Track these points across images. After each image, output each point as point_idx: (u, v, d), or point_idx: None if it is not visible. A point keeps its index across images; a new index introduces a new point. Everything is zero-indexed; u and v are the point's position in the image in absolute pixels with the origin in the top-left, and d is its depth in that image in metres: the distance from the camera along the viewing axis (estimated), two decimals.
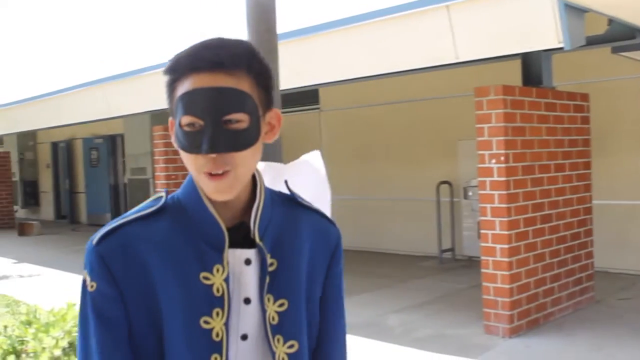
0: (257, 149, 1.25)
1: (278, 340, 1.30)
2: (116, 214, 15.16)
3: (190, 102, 1.18)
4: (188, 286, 1.24)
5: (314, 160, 1.77)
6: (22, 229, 15.93)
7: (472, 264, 9.42)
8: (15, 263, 11.66)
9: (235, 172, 1.21)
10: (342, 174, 10.63)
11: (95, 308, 1.24)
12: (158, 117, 12.01)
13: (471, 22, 5.23)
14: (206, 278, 1.25)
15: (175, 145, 1.25)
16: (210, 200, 1.27)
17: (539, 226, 6.17)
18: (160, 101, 8.34)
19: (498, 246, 5.86)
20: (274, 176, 1.73)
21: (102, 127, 15.77)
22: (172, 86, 1.24)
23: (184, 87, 1.20)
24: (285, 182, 1.45)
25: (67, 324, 3.57)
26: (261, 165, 1.77)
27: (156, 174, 9.33)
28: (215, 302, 1.25)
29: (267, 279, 1.29)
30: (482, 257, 6.01)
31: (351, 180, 11.01)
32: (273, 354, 1.29)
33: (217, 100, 1.18)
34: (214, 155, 1.18)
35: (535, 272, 6.13)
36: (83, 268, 1.27)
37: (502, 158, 5.75)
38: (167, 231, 1.27)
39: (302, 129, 11.29)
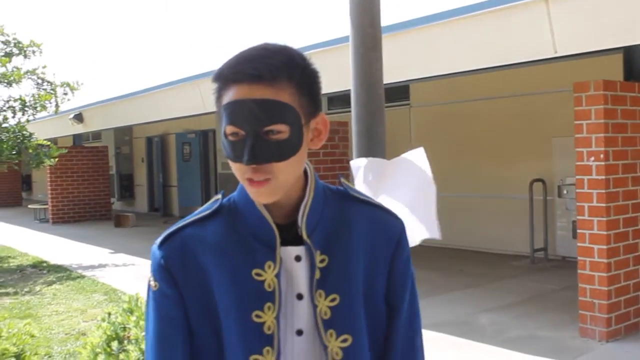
0: (299, 157, 1.27)
1: (331, 334, 1.32)
2: None
3: (232, 112, 1.23)
4: (240, 282, 1.30)
5: (418, 157, 1.75)
6: (118, 221, 16.52)
7: (566, 264, 9.16)
8: (111, 253, 12.13)
9: (275, 180, 1.24)
10: (432, 170, 10.47)
11: (157, 306, 1.34)
12: None
13: (570, 15, 5.07)
14: (258, 274, 1.30)
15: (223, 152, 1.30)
16: None
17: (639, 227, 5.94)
18: None
19: (596, 247, 5.66)
20: (377, 171, 1.72)
21: (194, 122, 16.13)
22: (218, 94, 1.28)
23: (227, 96, 1.24)
24: (339, 177, 1.46)
25: None
26: (364, 161, 1.76)
27: None
28: (266, 297, 1.30)
29: (318, 275, 1.32)
30: (579, 258, 5.83)
31: (441, 177, 10.73)
32: (325, 347, 1.32)
33: (256, 112, 1.21)
34: (254, 166, 1.22)
35: (635, 274, 5.90)
36: (150, 268, 1.37)
37: (602, 156, 5.55)
38: (220, 232, 1.34)
39: (391, 125, 11.15)
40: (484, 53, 5.73)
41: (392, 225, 1.42)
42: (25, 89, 12.40)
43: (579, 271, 5.81)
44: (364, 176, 1.68)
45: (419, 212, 1.56)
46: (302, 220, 1.32)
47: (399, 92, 11.34)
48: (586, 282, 5.76)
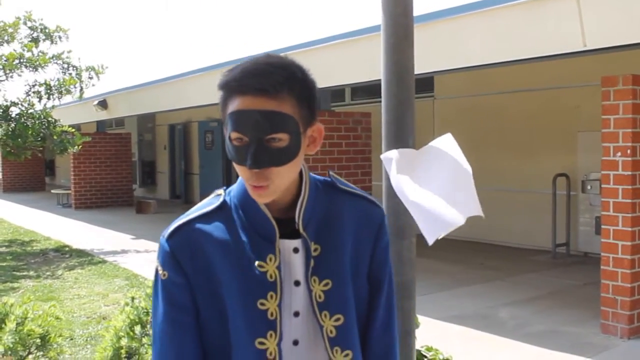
0: (296, 162, 1.40)
1: (325, 315, 1.48)
2: None
3: (237, 120, 1.35)
4: (245, 274, 1.44)
5: (447, 142, 1.75)
6: (140, 207, 16.63)
7: (588, 260, 9.09)
8: (133, 239, 12.22)
9: (274, 184, 1.38)
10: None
11: (166, 293, 1.47)
12: None
13: (601, 8, 5.01)
14: (261, 266, 1.44)
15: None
16: None
17: None
18: None
19: (620, 243, 5.61)
20: (410, 162, 1.72)
21: (217, 111, 16.12)
22: (224, 102, 1.40)
23: (233, 105, 1.37)
24: (328, 171, 1.60)
25: None
26: (395, 153, 1.76)
27: None
28: (269, 286, 1.44)
29: (312, 263, 1.47)
30: (602, 254, 5.78)
31: None
32: (321, 327, 1.47)
33: (260, 121, 1.34)
34: (256, 170, 1.35)
35: None
36: (156, 258, 1.50)
37: (629, 151, 5.49)
38: (224, 227, 1.47)
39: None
40: (512, 45, 5.67)
41: (374, 214, 1.57)
42: (51, 73, 12.50)
43: (602, 267, 5.76)
44: (398, 168, 1.68)
45: (459, 194, 1.61)
46: (299, 216, 1.46)
47: (423, 84, 11.27)
48: (609, 278, 5.71)
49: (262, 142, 1.34)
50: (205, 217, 1.48)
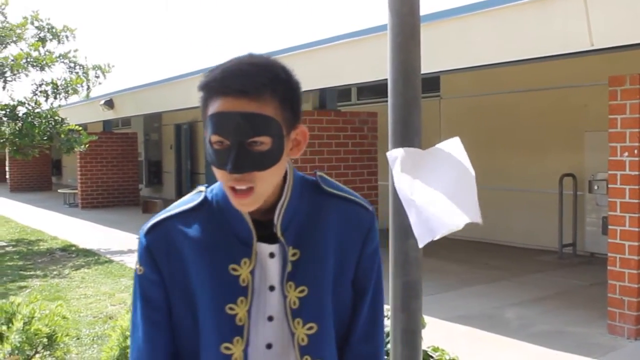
0: (279, 166, 1.34)
1: (298, 322, 1.43)
2: None
3: (218, 123, 1.29)
4: (218, 276, 1.40)
5: (454, 146, 1.74)
6: (146, 207, 16.65)
7: (594, 260, 9.07)
8: (139, 239, 12.22)
9: (257, 189, 1.32)
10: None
11: (141, 289, 1.46)
12: None
13: (608, 7, 4.99)
14: (234, 270, 1.40)
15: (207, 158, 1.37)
16: None
17: None
18: None
19: (627, 243, 5.59)
20: (414, 161, 1.71)
21: None
22: (204, 104, 1.34)
23: (213, 107, 1.30)
24: (315, 171, 1.53)
25: None
26: (401, 152, 1.75)
27: None
28: (240, 291, 1.41)
29: (289, 268, 1.42)
30: (609, 254, 5.76)
31: None
32: (292, 334, 1.44)
33: (241, 124, 1.28)
34: (237, 175, 1.30)
35: None
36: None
37: (636, 151, 5.47)
38: (202, 227, 1.43)
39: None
40: (519, 45, 5.66)
41: (362, 217, 1.51)
42: (57, 72, 12.52)
43: (609, 268, 5.74)
44: (402, 166, 1.67)
45: (460, 198, 1.56)
46: (277, 220, 1.41)
47: (429, 84, 11.26)
48: (616, 278, 5.69)
49: (243, 146, 1.28)
50: (185, 215, 1.45)
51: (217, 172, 1.35)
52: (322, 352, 1.46)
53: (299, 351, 1.44)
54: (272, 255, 1.43)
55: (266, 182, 1.33)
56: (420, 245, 1.58)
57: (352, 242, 1.49)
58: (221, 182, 1.37)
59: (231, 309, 1.40)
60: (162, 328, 1.45)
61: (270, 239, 1.42)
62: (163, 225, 1.44)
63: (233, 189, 1.32)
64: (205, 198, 1.46)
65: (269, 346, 1.45)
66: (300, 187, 1.46)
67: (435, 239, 1.53)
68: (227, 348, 1.41)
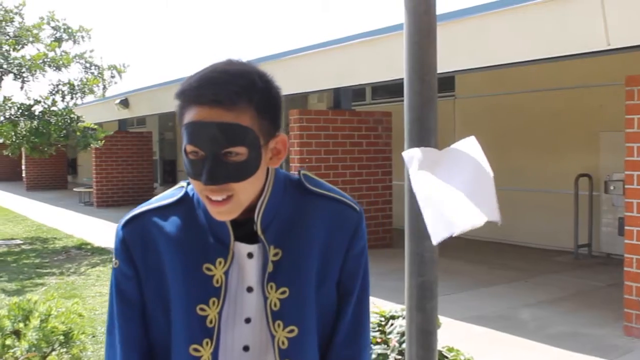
0: (257, 176, 1.30)
1: (278, 325, 1.39)
2: None
3: (192, 132, 1.25)
4: (191, 275, 1.37)
5: (470, 145, 1.73)
6: None
7: (611, 261, 9.00)
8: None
9: (235, 197, 1.28)
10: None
11: (116, 282, 1.43)
12: (293, 102, 12.23)
13: (625, 7, 4.95)
14: (208, 269, 1.37)
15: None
16: None
17: None
18: (295, 86, 8.41)
19: None
20: (431, 161, 1.71)
21: None
22: (180, 112, 1.30)
23: (189, 116, 1.27)
24: (299, 170, 1.49)
25: None
26: (417, 151, 1.74)
27: (291, 157, 9.51)
28: (212, 292, 1.37)
29: (270, 269, 1.38)
30: (625, 255, 5.71)
31: None
32: (272, 337, 1.40)
33: (216, 134, 1.23)
34: (213, 187, 1.26)
35: None
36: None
37: None
38: (180, 223, 1.39)
39: None
40: (534, 44, 5.63)
41: (349, 217, 1.46)
42: (74, 73, 12.58)
43: (625, 269, 5.70)
44: (419, 166, 1.66)
45: (479, 197, 1.54)
46: (257, 217, 1.37)
47: (444, 84, 11.23)
48: (632, 279, 5.65)
49: (218, 157, 1.24)
50: (163, 210, 1.41)
51: (194, 184, 1.32)
52: (302, 356, 1.42)
53: (278, 354, 1.40)
54: (250, 255, 1.39)
55: (244, 192, 1.30)
56: (435, 243, 1.54)
57: (336, 243, 1.44)
58: (198, 193, 1.33)
59: (202, 309, 1.37)
60: (136, 323, 1.42)
61: (251, 238, 1.38)
62: (140, 218, 1.41)
63: (209, 198, 1.29)
64: (186, 194, 1.43)
65: (245, 348, 1.42)
66: (284, 185, 1.42)
67: (451, 235, 1.50)
68: (196, 350, 1.37)
